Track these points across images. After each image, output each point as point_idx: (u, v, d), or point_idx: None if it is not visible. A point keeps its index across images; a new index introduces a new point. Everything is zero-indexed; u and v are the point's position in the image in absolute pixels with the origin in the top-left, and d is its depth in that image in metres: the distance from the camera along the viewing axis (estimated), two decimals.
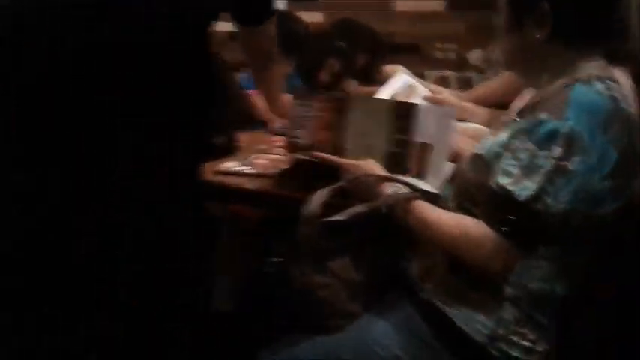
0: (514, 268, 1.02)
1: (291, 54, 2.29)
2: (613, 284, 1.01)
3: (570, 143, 0.94)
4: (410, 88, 2.08)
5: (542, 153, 0.96)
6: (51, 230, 1.04)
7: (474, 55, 2.77)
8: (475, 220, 1.05)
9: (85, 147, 1.04)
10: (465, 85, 2.27)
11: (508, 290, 1.04)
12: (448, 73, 2.54)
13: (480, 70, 2.68)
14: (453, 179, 1.21)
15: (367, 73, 2.80)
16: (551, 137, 0.96)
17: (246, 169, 1.47)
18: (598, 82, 1.00)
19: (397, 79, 2.09)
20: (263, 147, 1.69)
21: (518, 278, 1.03)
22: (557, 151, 0.95)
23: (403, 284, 1.18)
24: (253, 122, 1.51)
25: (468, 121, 1.96)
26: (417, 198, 1.13)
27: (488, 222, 1.02)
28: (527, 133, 1.00)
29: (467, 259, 1.05)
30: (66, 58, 1.00)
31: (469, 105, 1.97)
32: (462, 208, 1.13)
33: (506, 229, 0.99)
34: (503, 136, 1.06)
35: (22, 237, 1.03)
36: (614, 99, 0.98)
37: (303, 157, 1.35)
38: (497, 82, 2.01)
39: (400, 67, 2.25)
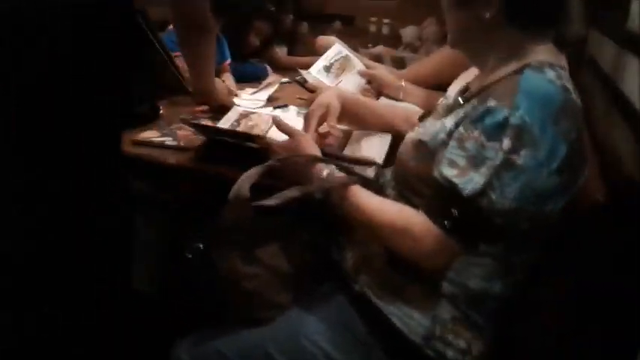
0: (454, 265, 0.97)
1: (219, 16, 2.13)
2: (562, 284, 0.98)
3: (520, 135, 0.89)
4: (345, 60, 2.02)
5: (491, 144, 0.91)
6: (51, 230, 1.04)
7: (408, 32, 2.71)
8: (416, 212, 0.98)
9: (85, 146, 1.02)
10: (399, 65, 2.20)
11: (446, 287, 0.99)
12: (381, 49, 2.46)
13: (412, 48, 2.64)
14: (392, 164, 1.14)
15: (291, 36, 2.72)
16: (500, 127, 0.90)
17: (168, 141, 1.34)
18: (550, 70, 0.95)
19: (332, 50, 2.01)
20: (186, 116, 1.55)
21: (458, 275, 0.98)
22: (506, 142, 0.90)
23: (337, 275, 1.11)
24: (178, 90, 1.38)
25: (403, 101, 1.92)
26: (353, 183, 1.06)
27: (430, 215, 0.96)
28: (475, 120, 0.94)
29: (406, 252, 0.98)
30: (66, 58, 0.99)
31: (404, 84, 1.92)
32: (402, 197, 1.07)
33: (448, 223, 0.94)
34: (449, 122, 1.00)
35: (22, 237, 1.03)
36: (565, 89, 0.94)
37: (222, 136, 1.24)
38: (432, 61, 1.97)
39: (334, 39, 2.17)
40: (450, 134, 0.98)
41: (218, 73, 2.06)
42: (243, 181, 1.00)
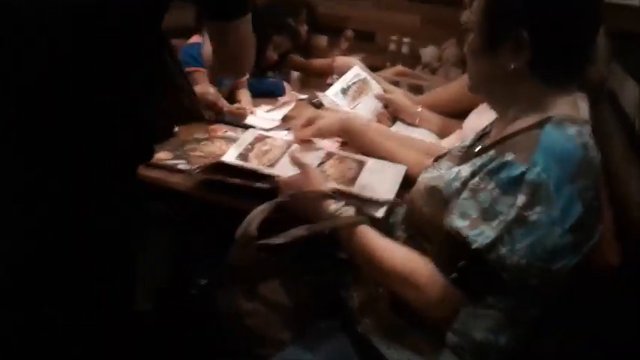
0: (459, 315, 0.96)
1: None
2: (568, 337, 0.96)
3: (535, 192, 0.88)
4: (363, 83, 2.01)
5: (505, 198, 0.89)
6: (51, 230, 1.03)
7: (427, 52, 2.70)
8: (424, 260, 0.97)
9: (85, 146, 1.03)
10: (416, 91, 2.18)
11: (451, 338, 0.97)
12: (400, 69, 2.44)
13: (431, 69, 2.62)
14: (405, 205, 1.13)
15: (307, 48, 2.72)
16: (516, 182, 0.89)
17: (181, 164, 1.33)
18: (571, 126, 0.93)
19: (351, 72, 2.00)
20: (201, 136, 1.55)
21: (463, 327, 0.96)
22: (521, 198, 0.88)
23: (341, 313, 1.10)
24: (195, 116, 1.38)
25: (419, 127, 1.90)
26: (362, 222, 1.05)
27: (438, 264, 0.95)
28: (491, 172, 0.92)
29: (410, 300, 0.97)
30: (66, 58, 0.98)
31: (421, 110, 1.90)
32: (413, 241, 1.05)
33: (455, 275, 0.92)
34: (464, 170, 0.99)
35: (22, 237, 1.03)
36: (585, 147, 0.92)
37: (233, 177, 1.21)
38: (451, 89, 1.95)
39: (354, 60, 2.16)
40: (464, 183, 0.96)
41: (235, 88, 2.07)
42: (252, 220, 0.99)
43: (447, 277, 0.93)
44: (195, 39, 2.06)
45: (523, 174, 0.88)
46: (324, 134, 1.44)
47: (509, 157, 0.91)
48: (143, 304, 1.39)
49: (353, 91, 1.95)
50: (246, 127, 1.69)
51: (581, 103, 1.10)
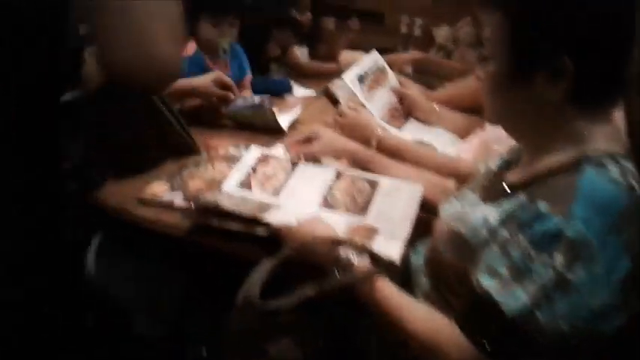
0: None
1: (232, 17, 1.97)
2: None
3: (575, 250, 0.75)
4: (380, 72, 1.88)
5: (540, 257, 0.77)
6: (51, 230, 1.04)
7: (441, 33, 2.53)
8: (447, 324, 0.86)
9: None
10: (426, 88, 2.02)
11: None
12: (415, 53, 2.29)
13: (446, 52, 2.47)
14: (426, 249, 1.01)
15: (311, 35, 2.58)
16: (552, 238, 0.76)
17: (177, 199, 1.22)
18: (612, 164, 0.81)
19: (369, 58, 1.88)
20: (201, 158, 1.44)
21: None
22: (558, 258, 0.76)
23: None
24: (187, 151, 1.28)
25: (436, 125, 1.77)
26: (377, 275, 0.93)
27: (464, 329, 0.83)
28: (523, 225, 0.80)
29: None
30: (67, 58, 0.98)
31: (438, 108, 1.77)
32: (437, 291, 0.95)
33: (487, 345, 0.81)
34: (492, 215, 0.86)
35: (22, 237, 1.02)
36: (631, 189, 0.79)
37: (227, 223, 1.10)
38: (469, 85, 1.80)
39: (359, 55, 2.02)
40: (492, 233, 0.84)
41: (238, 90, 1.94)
42: (254, 281, 0.89)
43: (476, 345, 0.82)
44: (191, 47, 1.92)
45: (560, 230, 0.76)
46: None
47: (542, 207, 0.78)
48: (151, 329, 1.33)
49: (370, 81, 1.83)
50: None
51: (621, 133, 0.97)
